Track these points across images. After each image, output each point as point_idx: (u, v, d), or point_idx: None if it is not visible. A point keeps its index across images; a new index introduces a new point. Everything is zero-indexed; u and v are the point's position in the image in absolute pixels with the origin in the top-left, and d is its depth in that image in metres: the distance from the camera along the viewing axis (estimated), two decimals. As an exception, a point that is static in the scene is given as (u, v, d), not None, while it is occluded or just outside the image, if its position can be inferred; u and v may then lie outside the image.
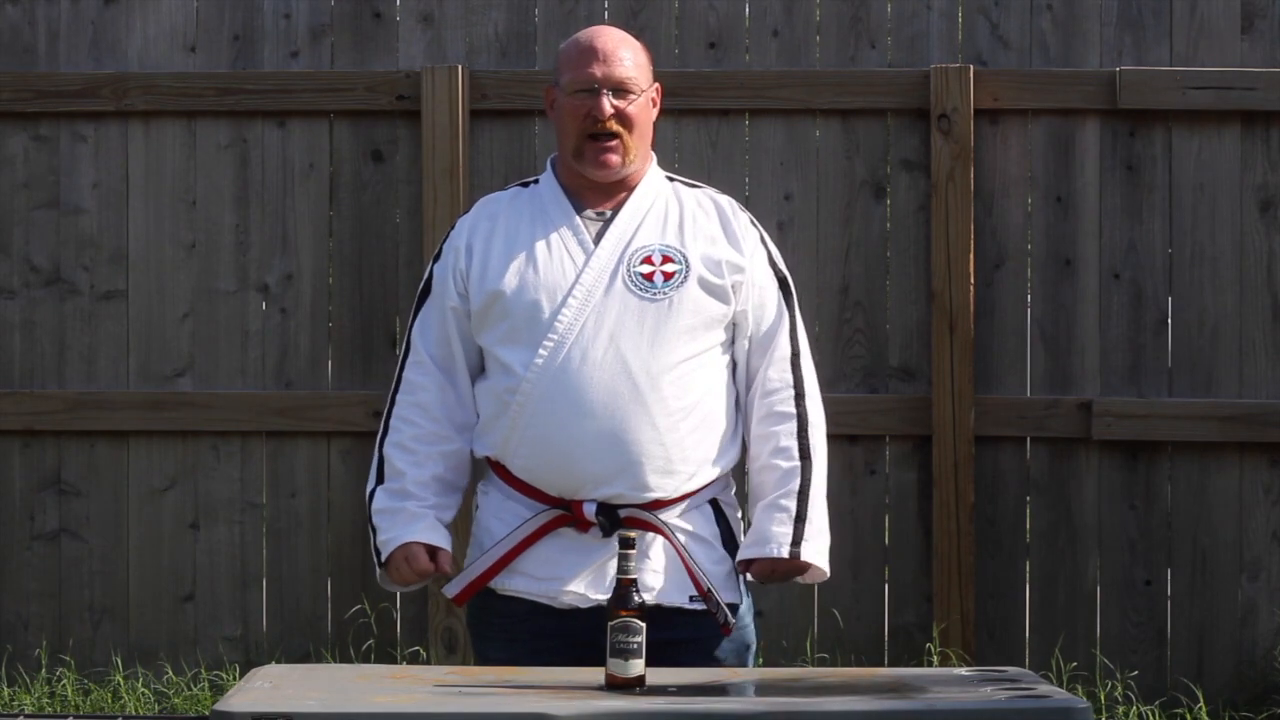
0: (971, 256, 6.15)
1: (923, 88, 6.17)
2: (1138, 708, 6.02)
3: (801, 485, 3.94)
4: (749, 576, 4.00)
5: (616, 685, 3.44)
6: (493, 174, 6.27)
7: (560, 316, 3.90)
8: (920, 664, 6.08)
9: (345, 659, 6.22)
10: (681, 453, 3.90)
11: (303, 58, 6.37)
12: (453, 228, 4.11)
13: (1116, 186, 6.20)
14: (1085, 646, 6.16)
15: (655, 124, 4.08)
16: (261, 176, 6.37)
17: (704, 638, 3.94)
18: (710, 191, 4.10)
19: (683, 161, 6.22)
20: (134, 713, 6.07)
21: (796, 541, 3.91)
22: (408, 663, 6.15)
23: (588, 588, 3.90)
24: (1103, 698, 6.03)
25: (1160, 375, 6.19)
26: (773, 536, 3.92)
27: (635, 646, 3.45)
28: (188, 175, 6.39)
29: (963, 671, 3.70)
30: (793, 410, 3.98)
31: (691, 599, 3.93)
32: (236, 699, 3.32)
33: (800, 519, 3.92)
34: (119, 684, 6.21)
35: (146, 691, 6.22)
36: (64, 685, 6.21)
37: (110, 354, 6.39)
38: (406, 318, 6.26)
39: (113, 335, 6.39)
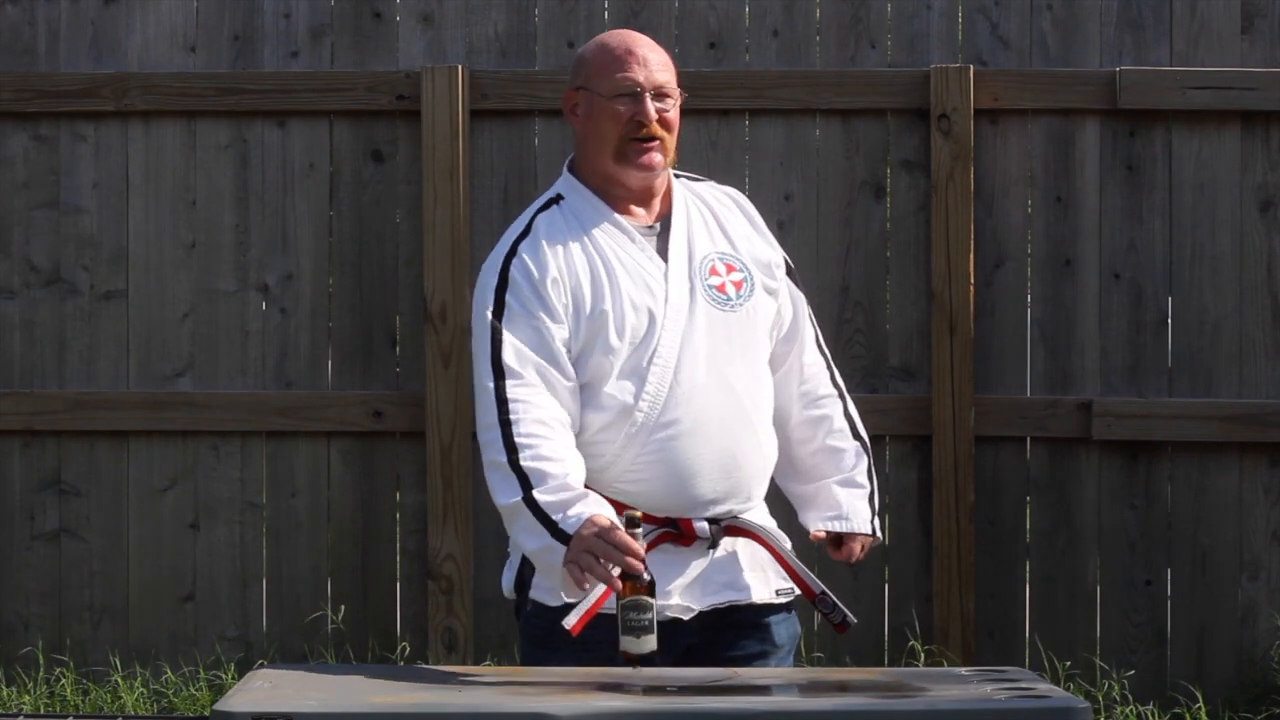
0: (971, 256, 6.15)
1: (923, 88, 6.17)
2: (1137, 708, 6.02)
3: (870, 464, 4.01)
4: (827, 550, 3.98)
5: (631, 661, 3.55)
6: (493, 174, 6.27)
7: (661, 340, 3.81)
8: (920, 664, 6.08)
9: (345, 659, 6.22)
10: (770, 460, 3.94)
11: (303, 58, 6.37)
12: (513, 254, 3.84)
13: (1116, 186, 6.20)
14: (1085, 646, 6.16)
15: None
16: (261, 176, 6.37)
17: (773, 626, 3.94)
18: (715, 185, 4.08)
19: (683, 161, 6.14)
20: (133, 713, 6.07)
21: (872, 519, 3.97)
22: (407, 663, 6.15)
23: (690, 598, 3.85)
24: (1102, 698, 6.03)
25: (1160, 375, 6.19)
26: (859, 513, 3.96)
27: (647, 623, 3.54)
28: (188, 175, 6.39)
29: (963, 671, 3.69)
30: (833, 391, 4.04)
31: (779, 592, 3.93)
32: (236, 699, 3.32)
33: (872, 496, 3.99)
34: (118, 684, 6.21)
35: (146, 691, 6.22)
36: (63, 685, 6.21)
37: (110, 354, 6.39)
38: (406, 318, 6.32)
39: (113, 335, 6.39)
